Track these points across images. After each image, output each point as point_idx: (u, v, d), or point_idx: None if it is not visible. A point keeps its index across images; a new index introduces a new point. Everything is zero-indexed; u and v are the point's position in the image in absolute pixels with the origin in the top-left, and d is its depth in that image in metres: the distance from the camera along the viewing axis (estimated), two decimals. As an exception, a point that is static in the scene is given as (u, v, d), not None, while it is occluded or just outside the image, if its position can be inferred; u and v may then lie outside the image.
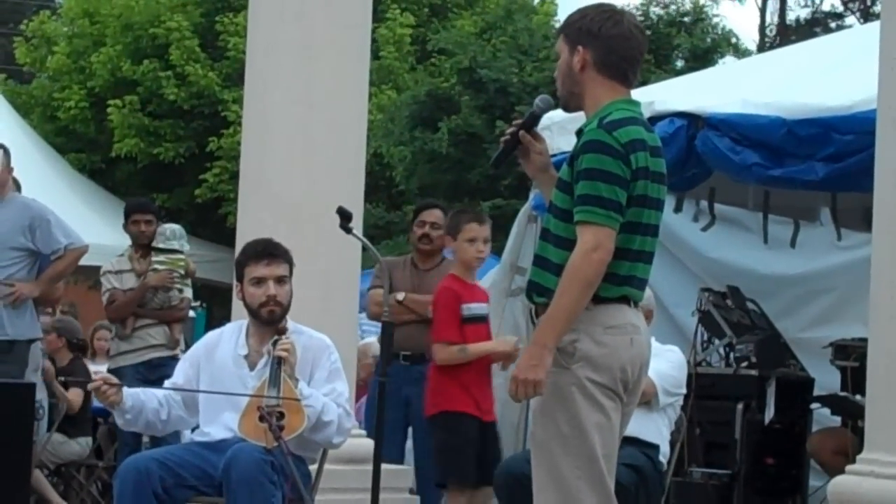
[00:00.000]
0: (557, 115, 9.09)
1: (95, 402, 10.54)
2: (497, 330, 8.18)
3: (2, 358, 7.45)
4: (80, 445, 9.95)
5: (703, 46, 20.45)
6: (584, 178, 4.24)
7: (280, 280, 5.73)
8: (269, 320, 5.71)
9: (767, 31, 32.85)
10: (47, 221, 7.70)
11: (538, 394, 4.22)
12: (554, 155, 8.52)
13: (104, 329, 12.54)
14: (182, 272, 9.10)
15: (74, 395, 9.67)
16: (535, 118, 4.63)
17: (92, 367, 11.84)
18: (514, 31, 19.75)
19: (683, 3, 21.00)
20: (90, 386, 5.83)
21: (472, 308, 6.80)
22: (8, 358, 7.48)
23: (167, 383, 5.92)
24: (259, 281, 5.71)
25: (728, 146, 7.89)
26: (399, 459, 7.68)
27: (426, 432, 7.41)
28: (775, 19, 33.52)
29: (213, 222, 19.87)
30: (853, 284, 8.74)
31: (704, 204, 9.41)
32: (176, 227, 9.45)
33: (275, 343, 5.59)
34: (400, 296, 7.66)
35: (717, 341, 9.08)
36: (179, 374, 5.89)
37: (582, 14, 4.46)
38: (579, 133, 4.41)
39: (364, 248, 6.44)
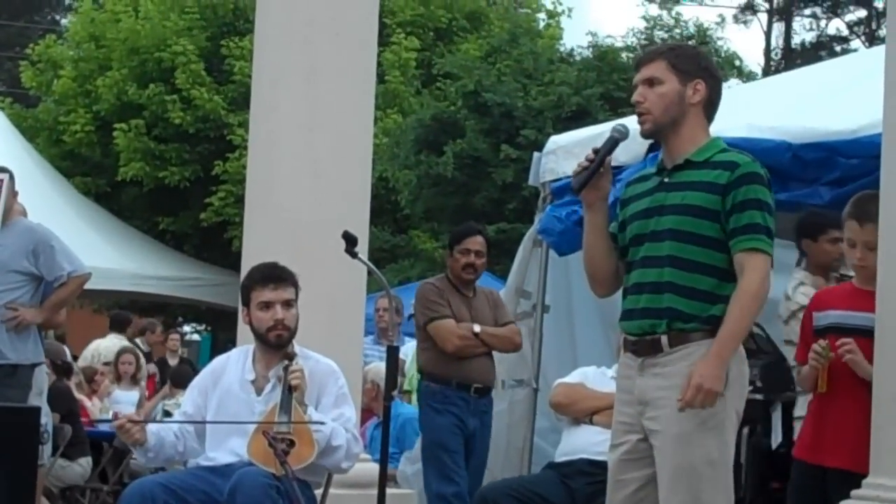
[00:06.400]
0: (563, 139, 9.13)
1: (102, 426, 10.56)
2: (502, 355, 8.15)
3: (5, 382, 7.43)
4: (82, 466, 9.94)
5: (708, 70, 20.47)
6: (753, 207, 4.45)
7: (287, 304, 5.72)
8: (277, 344, 5.70)
9: (773, 55, 32.93)
10: (51, 247, 7.66)
11: (710, 405, 4.39)
12: (558, 179, 8.61)
13: (129, 353, 12.55)
14: None
15: None
16: (616, 143, 4.65)
17: (119, 393, 11.93)
18: (518, 54, 19.79)
19: (687, 26, 21.05)
20: (114, 424, 5.81)
21: (830, 316, 5.93)
22: (11, 382, 7.46)
23: (178, 414, 5.90)
24: (266, 305, 5.70)
25: (733, 170, 7.88)
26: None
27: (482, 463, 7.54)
28: (780, 43, 33.62)
29: (219, 246, 19.88)
30: (859, 309, 8.69)
31: (710, 228, 9.38)
32: None
33: (285, 369, 5.59)
34: (476, 328, 7.57)
35: (722, 365, 9.04)
36: (189, 403, 5.88)
37: (696, 51, 4.75)
38: (662, 167, 4.60)
39: (369, 273, 6.44)
